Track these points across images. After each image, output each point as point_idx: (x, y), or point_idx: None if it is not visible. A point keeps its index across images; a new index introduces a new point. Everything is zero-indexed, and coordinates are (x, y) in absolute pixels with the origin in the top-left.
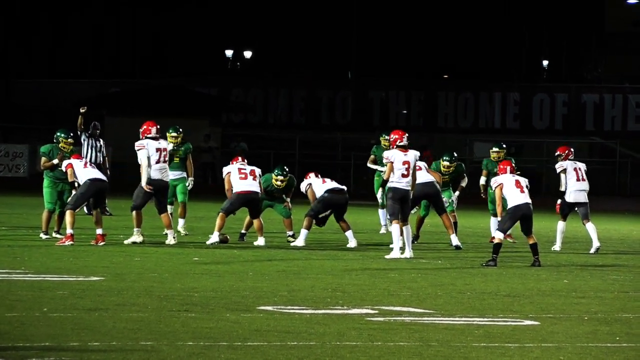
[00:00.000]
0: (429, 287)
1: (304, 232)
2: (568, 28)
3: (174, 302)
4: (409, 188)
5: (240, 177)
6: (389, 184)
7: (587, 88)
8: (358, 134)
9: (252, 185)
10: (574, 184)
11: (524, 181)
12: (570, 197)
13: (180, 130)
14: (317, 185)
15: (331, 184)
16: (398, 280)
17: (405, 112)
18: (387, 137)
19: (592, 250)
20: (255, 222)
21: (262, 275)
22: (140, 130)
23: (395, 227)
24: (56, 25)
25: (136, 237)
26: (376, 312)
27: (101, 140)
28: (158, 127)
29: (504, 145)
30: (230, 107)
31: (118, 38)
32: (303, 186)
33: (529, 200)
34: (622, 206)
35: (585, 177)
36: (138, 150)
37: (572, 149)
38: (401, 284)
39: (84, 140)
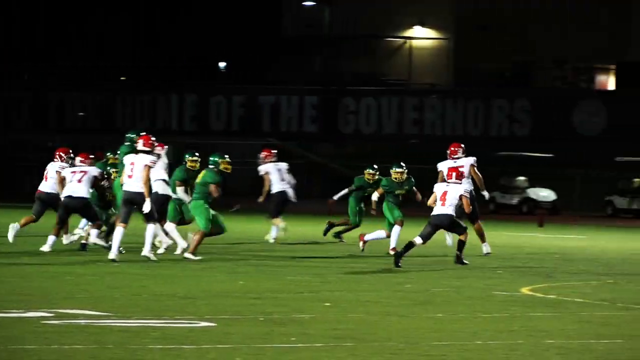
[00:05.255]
0: (105, 289)
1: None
2: (245, 29)
3: None
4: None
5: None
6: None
7: (265, 89)
8: None
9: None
10: (279, 184)
11: (453, 192)
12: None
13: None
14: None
15: None
16: (75, 283)
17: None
18: (371, 171)
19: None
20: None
21: None
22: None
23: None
24: None
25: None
26: (52, 315)
27: None
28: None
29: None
30: None
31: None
32: None
33: (447, 212)
34: (306, 208)
35: (285, 176)
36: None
37: (273, 151)
38: (78, 287)
39: None
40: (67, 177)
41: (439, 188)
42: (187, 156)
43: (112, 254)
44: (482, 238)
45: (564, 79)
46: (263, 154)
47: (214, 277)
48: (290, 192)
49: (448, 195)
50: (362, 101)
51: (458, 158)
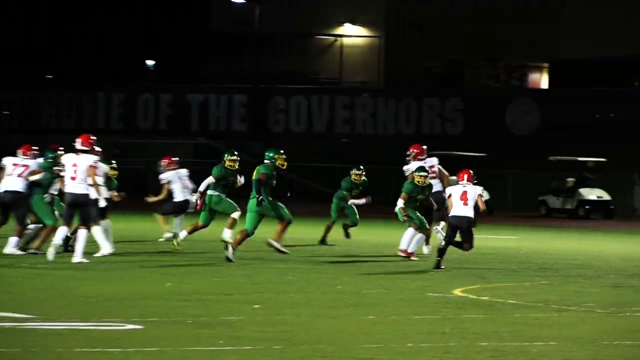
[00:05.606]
0: (31, 291)
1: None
2: (174, 27)
3: None
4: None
5: None
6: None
7: (193, 88)
8: None
9: None
10: (181, 192)
11: (472, 192)
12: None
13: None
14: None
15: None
16: None
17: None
18: (357, 172)
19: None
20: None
21: None
22: None
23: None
24: None
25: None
26: None
27: None
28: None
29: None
30: None
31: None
32: None
33: (468, 214)
34: None
35: (186, 183)
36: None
37: (174, 158)
38: (2, 289)
39: None
40: (8, 170)
41: (455, 190)
42: (226, 155)
43: (50, 255)
44: (427, 240)
45: (496, 77)
46: (164, 162)
47: (141, 279)
48: (192, 200)
49: (468, 194)
50: (292, 100)
51: (425, 158)
